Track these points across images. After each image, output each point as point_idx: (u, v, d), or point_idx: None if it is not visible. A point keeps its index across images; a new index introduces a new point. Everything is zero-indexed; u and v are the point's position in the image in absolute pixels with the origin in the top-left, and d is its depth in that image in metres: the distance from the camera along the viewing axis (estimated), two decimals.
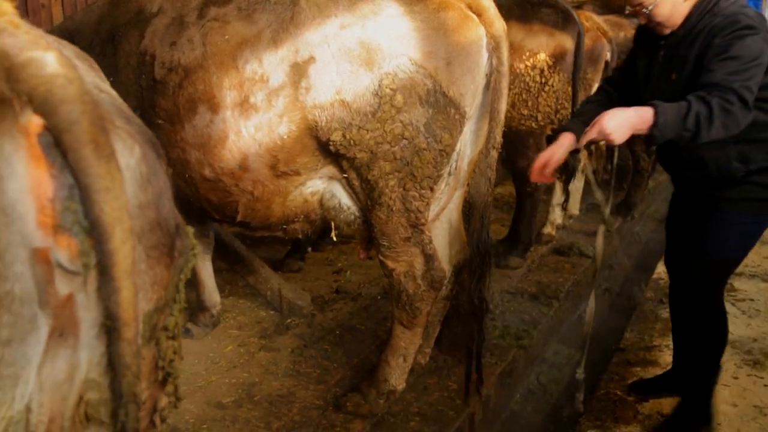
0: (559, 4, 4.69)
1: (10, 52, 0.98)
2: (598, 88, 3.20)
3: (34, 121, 1.00)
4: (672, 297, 3.17)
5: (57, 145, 1.01)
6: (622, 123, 2.34)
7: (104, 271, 1.04)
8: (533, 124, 4.57)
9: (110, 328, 1.08)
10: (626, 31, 5.75)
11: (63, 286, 1.05)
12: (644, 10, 2.53)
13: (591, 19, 5.03)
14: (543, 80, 4.55)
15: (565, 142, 2.71)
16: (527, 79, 4.54)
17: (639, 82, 2.81)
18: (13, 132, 0.99)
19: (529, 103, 4.53)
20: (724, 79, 2.30)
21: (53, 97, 0.98)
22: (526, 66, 4.54)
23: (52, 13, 3.90)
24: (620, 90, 2.95)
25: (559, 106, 4.57)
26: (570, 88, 4.64)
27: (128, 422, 1.14)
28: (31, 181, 1.00)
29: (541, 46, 4.53)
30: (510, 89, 4.50)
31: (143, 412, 1.23)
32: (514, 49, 4.49)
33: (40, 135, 1.00)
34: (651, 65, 2.73)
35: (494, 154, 2.69)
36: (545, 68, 4.54)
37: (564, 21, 4.60)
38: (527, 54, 4.53)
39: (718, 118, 2.27)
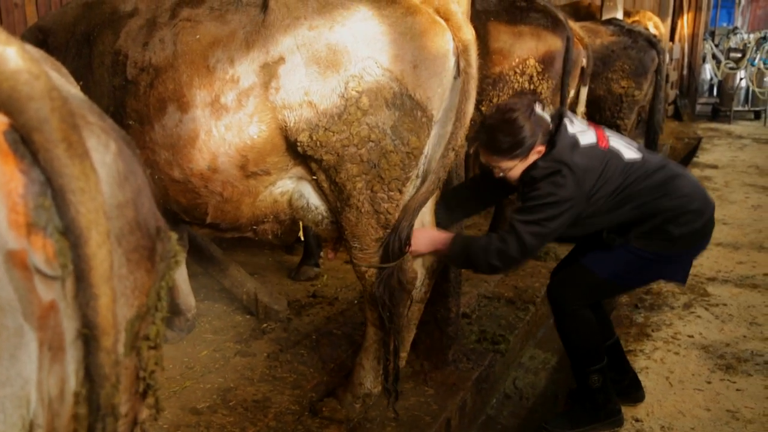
0: (547, 9, 4.68)
1: None
2: (472, 178, 3.50)
3: None
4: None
5: (27, 144, 0.95)
6: (426, 240, 2.84)
7: (81, 276, 0.99)
8: None
9: (88, 336, 1.03)
10: (602, 38, 5.80)
11: (44, 293, 0.99)
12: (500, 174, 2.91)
13: None
14: (532, 87, 4.55)
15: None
16: (515, 85, 4.54)
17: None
18: None
19: None
20: (516, 221, 2.77)
21: (18, 94, 0.93)
22: (515, 72, 4.53)
23: (25, 13, 3.84)
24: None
25: None
26: (557, 98, 4.66)
27: None
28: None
29: (531, 51, 4.53)
30: (498, 96, 4.54)
31: (124, 425, 1.18)
32: (504, 55, 4.49)
33: (6, 132, 0.95)
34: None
35: (452, 155, 2.68)
36: (534, 75, 4.53)
37: (553, 25, 4.60)
38: (516, 60, 4.52)
39: (491, 258, 2.76)
